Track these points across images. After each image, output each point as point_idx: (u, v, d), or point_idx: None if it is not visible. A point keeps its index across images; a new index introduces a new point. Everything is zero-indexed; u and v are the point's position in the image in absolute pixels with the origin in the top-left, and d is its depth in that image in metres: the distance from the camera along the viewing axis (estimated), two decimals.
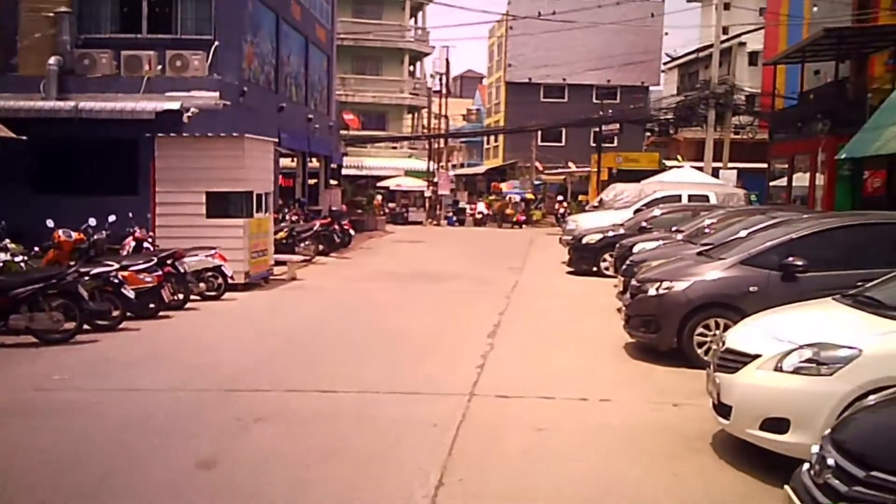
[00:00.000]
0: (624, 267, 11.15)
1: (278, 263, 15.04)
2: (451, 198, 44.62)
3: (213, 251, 12.01)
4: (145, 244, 12.30)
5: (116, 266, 9.80)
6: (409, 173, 44.06)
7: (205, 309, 11.33)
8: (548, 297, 12.77)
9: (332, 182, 32.18)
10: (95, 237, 11.95)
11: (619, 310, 10.94)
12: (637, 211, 17.48)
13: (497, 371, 7.42)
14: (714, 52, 31.68)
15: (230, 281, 12.28)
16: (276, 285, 14.00)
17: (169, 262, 11.03)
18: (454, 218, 40.33)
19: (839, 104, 18.98)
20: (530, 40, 53.83)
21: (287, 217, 19.85)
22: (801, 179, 21.28)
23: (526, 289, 13.78)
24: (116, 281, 9.59)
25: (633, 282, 8.48)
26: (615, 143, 45.74)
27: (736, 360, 5.02)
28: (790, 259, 7.44)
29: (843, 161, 17.10)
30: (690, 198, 17.83)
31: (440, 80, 43.15)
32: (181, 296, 11.23)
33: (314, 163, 29.22)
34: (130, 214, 12.83)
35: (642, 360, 7.96)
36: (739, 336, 5.33)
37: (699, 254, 8.89)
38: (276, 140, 14.75)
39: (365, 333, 9.40)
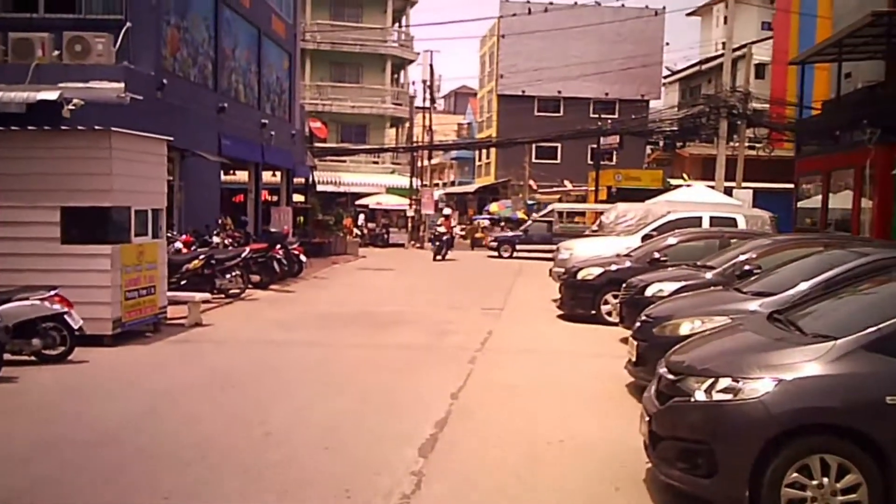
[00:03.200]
0: (638, 325, 7.60)
1: (180, 303, 11.46)
2: (437, 217, 41.15)
3: (51, 293, 8.44)
4: None
5: None
6: (390, 190, 40.59)
7: (26, 380, 7.75)
8: (528, 361, 9.16)
9: (298, 199, 28.72)
10: None
11: (628, 386, 7.44)
12: (646, 237, 13.96)
13: None
14: (726, 56, 28.38)
15: (81, 333, 8.69)
16: (168, 335, 10.41)
17: None
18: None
19: (891, 108, 15.57)
20: (523, 50, 50.71)
21: (219, 239, 16.26)
22: (838, 200, 17.84)
23: (500, 345, 10.19)
24: None
25: (663, 371, 4.90)
26: (614, 161, 42.54)
27: None
28: None
29: None
30: (713, 221, 14.32)
31: (425, 89, 39.81)
32: None
33: (278, 177, 25.78)
34: None
35: None
36: None
37: (771, 319, 5.32)
38: (170, 138, 11.20)
39: (213, 443, 5.75)
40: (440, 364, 8.79)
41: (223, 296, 14.20)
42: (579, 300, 12.23)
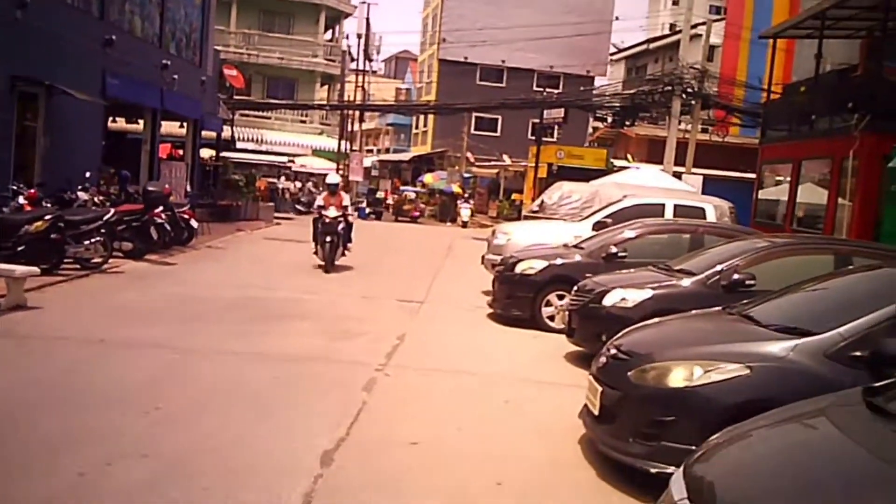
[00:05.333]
0: (603, 360, 5.25)
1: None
2: (366, 185, 38.43)
3: None
4: None
5: None
6: (317, 153, 37.56)
7: None
8: (444, 390, 6.70)
9: (207, 153, 25.52)
10: None
11: (582, 444, 5.16)
12: (599, 225, 11.72)
13: None
14: (684, 30, 26.47)
15: None
16: None
17: None
18: (368, 210, 34.17)
19: (881, 90, 13.71)
20: (467, 13, 48.01)
21: (87, 196, 13.27)
22: (803, 193, 16.05)
23: (411, 358, 7.74)
24: None
25: None
26: (555, 137, 40.52)
27: None
28: None
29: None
30: (677, 210, 12.18)
31: (360, 45, 36.69)
32: None
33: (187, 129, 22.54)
34: None
35: None
36: None
37: (872, 407, 3.02)
38: None
39: None
40: (324, 391, 6.30)
41: (79, 267, 11.33)
42: (516, 300, 9.88)
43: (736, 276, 7.24)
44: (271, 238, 19.65)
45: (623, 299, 7.56)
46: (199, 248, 15.47)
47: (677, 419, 4.57)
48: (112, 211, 11.77)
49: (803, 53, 22.46)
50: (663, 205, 12.23)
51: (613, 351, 5.18)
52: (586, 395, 5.33)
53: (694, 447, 4.49)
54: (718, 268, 7.47)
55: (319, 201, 14.27)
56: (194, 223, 15.43)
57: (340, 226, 13.91)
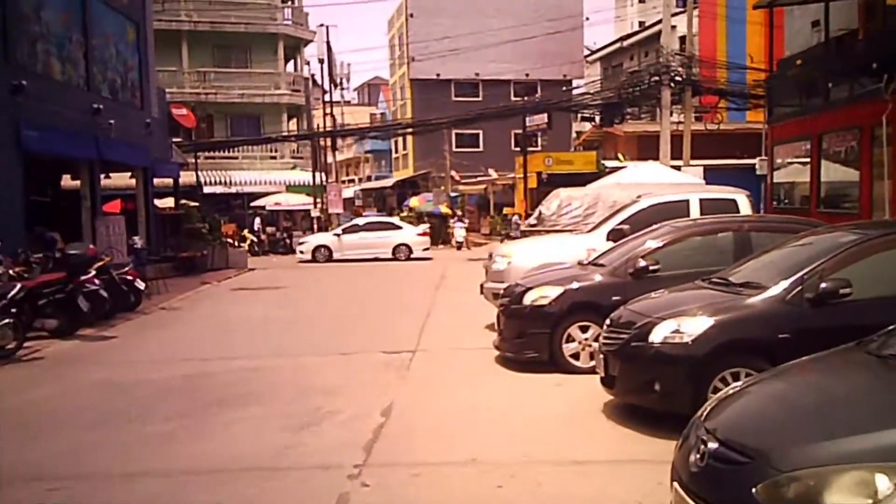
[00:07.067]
0: (696, 458, 3.20)
1: None
2: (347, 217, 36.42)
3: None
4: None
5: None
6: (292, 188, 35.53)
7: None
8: None
9: (164, 204, 23.50)
10: None
11: None
12: (614, 233, 9.68)
13: None
14: (664, 15, 24.71)
15: None
16: None
17: None
18: None
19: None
20: (434, 29, 46.38)
21: (2, 269, 11.17)
22: (831, 170, 14.14)
23: (403, 449, 5.64)
24: None
25: None
26: (539, 146, 38.77)
27: None
28: None
29: None
30: (704, 206, 10.16)
31: (323, 69, 34.89)
32: None
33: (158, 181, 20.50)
34: None
35: None
36: None
37: None
38: None
39: None
40: None
41: None
42: (530, 338, 7.82)
43: (824, 285, 5.28)
44: (240, 288, 17.53)
45: (676, 332, 5.55)
46: (149, 312, 13.37)
47: None
48: (18, 286, 9.66)
49: (795, 25, 20.80)
50: (687, 201, 10.22)
51: (713, 444, 3.14)
52: None
53: None
54: (798, 275, 5.50)
55: None
56: (140, 284, 13.31)
57: None
